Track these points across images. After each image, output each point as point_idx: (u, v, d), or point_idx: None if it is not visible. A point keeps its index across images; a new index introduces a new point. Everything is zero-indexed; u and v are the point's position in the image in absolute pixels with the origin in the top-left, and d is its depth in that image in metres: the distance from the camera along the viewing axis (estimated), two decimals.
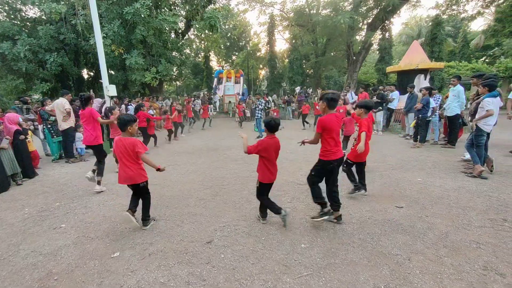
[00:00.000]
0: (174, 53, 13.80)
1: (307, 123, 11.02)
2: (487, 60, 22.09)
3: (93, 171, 4.33)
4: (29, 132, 6.26)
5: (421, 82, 9.60)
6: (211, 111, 14.67)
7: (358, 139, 3.46)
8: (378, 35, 18.90)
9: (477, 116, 4.30)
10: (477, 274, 2.10)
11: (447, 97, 6.70)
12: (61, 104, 6.12)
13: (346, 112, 5.71)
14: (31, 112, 7.36)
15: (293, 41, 21.27)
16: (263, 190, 2.96)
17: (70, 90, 12.45)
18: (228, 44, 28.86)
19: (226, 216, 3.25)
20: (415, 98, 7.31)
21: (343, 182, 3.65)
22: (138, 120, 3.19)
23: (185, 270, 2.28)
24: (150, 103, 11.12)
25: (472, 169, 4.40)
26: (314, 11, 18.27)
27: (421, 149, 6.34)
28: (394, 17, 17.00)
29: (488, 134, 4.36)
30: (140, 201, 3.07)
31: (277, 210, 2.88)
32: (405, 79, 10.15)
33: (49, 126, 6.53)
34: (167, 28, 12.15)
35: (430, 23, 20.49)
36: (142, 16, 10.25)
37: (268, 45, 23.09)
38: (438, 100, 7.01)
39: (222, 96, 18.06)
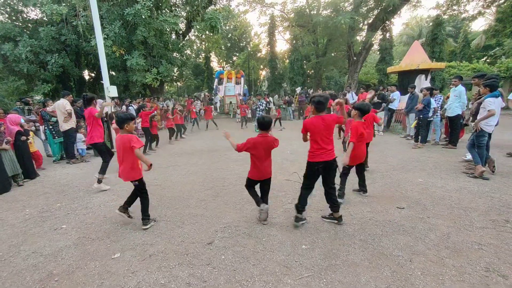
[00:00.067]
0: (175, 54, 13.82)
1: None
2: (488, 60, 22.02)
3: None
4: (31, 133, 6.28)
5: (422, 83, 9.58)
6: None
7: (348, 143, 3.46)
8: (378, 35, 18.86)
9: (478, 117, 4.29)
10: (479, 275, 2.08)
11: (448, 97, 6.68)
12: (62, 105, 6.14)
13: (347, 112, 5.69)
14: (33, 113, 7.39)
15: (294, 42, 21.25)
16: (249, 183, 3.08)
17: (72, 91, 12.54)
18: (228, 45, 28.91)
19: (227, 217, 3.25)
20: (416, 99, 7.30)
21: (348, 182, 3.64)
22: (135, 119, 3.21)
23: (186, 271, 2.27)
24: (151, 103, 11.13)
25: (473, 169, 4.38)
26: (315, 12, 18.27)
27: (422, 150, 6.33)
28: (394, 17, 16.99)
29: (490, 134, 4.35)
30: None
31: (257, 202, 3.05)
32: (406, 79, 10.14)
33: (50, 127, 6.55)
34: (168, 29, 12.18)
35: (430, 23, 20.47)
36: (143, 17, 10.28)
37: (269, 46, 23.09)
38: (439, 101, 6.99)
39: (223, 97, 18.08)
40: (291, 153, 6.43)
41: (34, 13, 13.73)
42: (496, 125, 4.42)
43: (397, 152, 6.27)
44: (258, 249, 2.56)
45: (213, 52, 24.02)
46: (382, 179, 4.40)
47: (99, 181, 4.38)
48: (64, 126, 6.24)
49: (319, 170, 2.81)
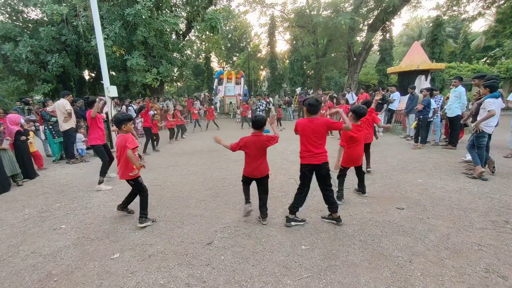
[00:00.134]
0: (175, 54, 13.83)
1: None
2: (488, 61, 22.01)
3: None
4: (31, 133, 6.28)
5: (422, 83, 9.58)
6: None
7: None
8: (378, 36, 18.86)
9: (479, 117, 4.29)
10: (478, 276, 2.08)
11: (448, 98, 6.68)
12: (62, 105, 6.15)
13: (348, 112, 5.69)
14: (33, 113, 7.39)
15: (294, 42, 21.25)
16: (243, 178, 3.15)
17: (72, 91, 12.54)
18: (229, 45, 28.91)
19: (226, 218, 3.25)
20: (416, 99, 7.30)
21: (348, 182, 3.65)
22: (132, 120, 3.24)
23: (185, 271, 2.27)
24: (151, 104, 11.12)
25: (473, 170, 4.38)
26: (315, 12, 18.28)
27: (422, 150, 6.32)
28: (394, 18, 16.99)
29: (490, 135, 4.34)
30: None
31: (246, 200, 3.14)
32: (406, 80, 10.14)
33: (50, 127, 6.55)
34: (168, 29, 12.19)
35: (430, 24, 20.45)
36: (143, 17, 10.28)
37: (269, 46, 23.10)
38: (439, 101, 6.99)
39: (223, 97, 18.07)
40: (291, 153, 6.43)
41: (34, 13, 13.76)
42: (496, 126, 4.42)
43: (397, 152, 6.27)
44: (258, 249, 2.56)
45: (213, 53, 24.04)
46: (381, 180, 4.40)
47: (100, 182, 4.44)
48: (64, 126, 6.25)
49: (307, 172, 2.83)
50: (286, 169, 5.13)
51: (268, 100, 12.76)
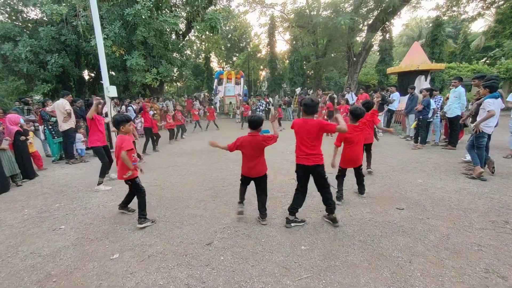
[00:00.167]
0: (174, 54, 13.82)
1: None
2: (487, 61, 22.03)
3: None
4: (30, 133, 6.27)
5: (422, 83, 9.58)
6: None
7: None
8: (378, 36, 18.88)
9: (478, 118, 4.29)
10: (478, 277, 2.08)
11: (447, 98, 6.68)
12: (61, 105, 6.13)
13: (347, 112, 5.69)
14: (32, 113, 7.38)
15: (294, 42, 21.26)
16: (241, 178, 3.16)
17: (71, 91, 12.54)
18: (228, 45, 28.90)
19: (226, 218, 3.24)
20: (416, 99, 7.30)
21: (348, 182, 3.65)
22: (130, 121, 3.24)
23: (185, 272, 2.27)
24: (150, 104, 11.12)
25: (472, 170, 4.38)
26: (315, 13, 18.29)
27: (422, 151, 6.32)
28: (394, 18, 17.00)
29: (489, 135, 4.34)
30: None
31: (240, 200, 3.18)
32: (405, 80, 10.15)
33: (50, 127, 6.54)
34: (167, 29, 12.18)
35: (430, 25, 20.46)
36: (143, 17, 10.28)
37: (269, 46, 23.11)
38: (439, 102, 7.00)
39: (223, 97, 18.05)
40: (291, 153, 6.42)
41: (34, 13, 13.75)
42: (495, 126, 4.42)
43: (396, 153, 6.27)
44: (257, 250, 2.55)
45: (213, 53, 24.03)
46: (381, 180, 4.40)
47: (99, 183, 4.45)
48: (64, 126, 6.24)
49: (300, 172, 2.84)
50: (286, 169, 5.12)
51: (268, 100, 12.76)
